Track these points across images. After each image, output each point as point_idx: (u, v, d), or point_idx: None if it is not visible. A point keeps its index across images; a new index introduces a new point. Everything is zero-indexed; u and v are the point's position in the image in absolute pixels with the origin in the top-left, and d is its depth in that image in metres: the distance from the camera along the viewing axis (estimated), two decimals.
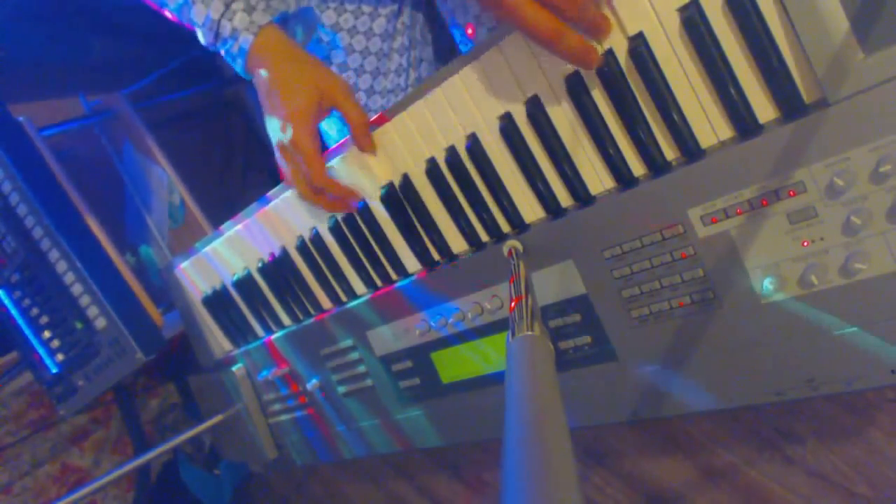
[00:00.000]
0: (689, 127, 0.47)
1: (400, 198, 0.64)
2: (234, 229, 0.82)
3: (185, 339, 1.03)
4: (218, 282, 0.90)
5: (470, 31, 0.80)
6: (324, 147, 0.69)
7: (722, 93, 0.45)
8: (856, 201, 0.40)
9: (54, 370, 0.99)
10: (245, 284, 0.85)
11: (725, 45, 0.44)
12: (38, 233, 0.92)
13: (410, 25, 0.87)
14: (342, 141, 0.67)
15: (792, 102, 0.43)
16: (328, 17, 0.82)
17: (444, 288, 0.63)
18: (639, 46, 0.46)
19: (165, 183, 1.47)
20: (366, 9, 0.83)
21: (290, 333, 0.82)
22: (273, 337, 0.84)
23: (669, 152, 0.49)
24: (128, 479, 1.34)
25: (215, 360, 0.98)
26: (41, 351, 1.00)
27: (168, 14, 0.71)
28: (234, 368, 0.91)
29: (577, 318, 0.55)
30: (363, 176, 0.66)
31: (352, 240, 0.70)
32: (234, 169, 1.84)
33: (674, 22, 0.45)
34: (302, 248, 0.75)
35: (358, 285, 0.73)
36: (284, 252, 0.78)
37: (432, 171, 0.61)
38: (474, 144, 0.57)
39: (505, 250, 0.56)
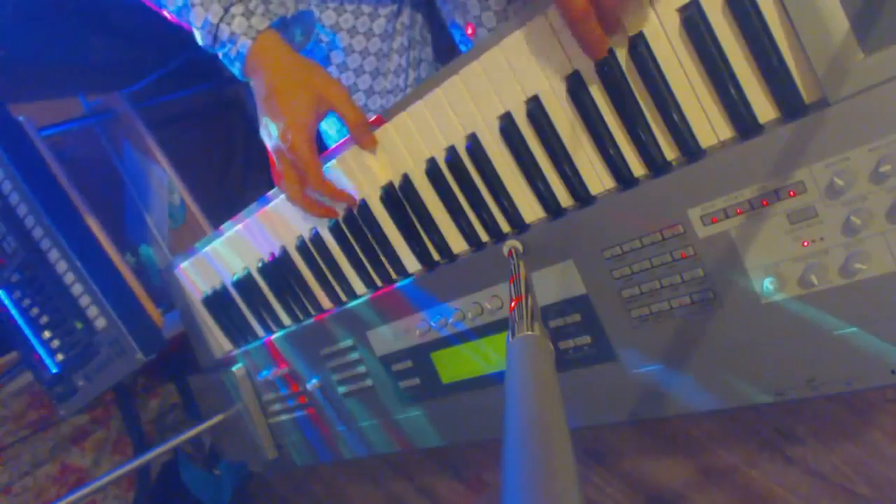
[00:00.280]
0: (689, 127, 0.47)
1: (400, 198, 0.64)
2: (234, 229, 0.82)
3: (185, 339, 1.03)
4: (218, 282, 0.90)
5: (470, 31, 0.80)
6: (323, 147, 0.69)
7: (722, 93, 0.45)
8: (856, 201, 0.40)
9: (54, 370, 0.99)
10: (245, 284, 0.85)
11: (725, 45, 0.44)
12: (38, 233, 0.92)
13: (410, 26, 0.87)
14: (342, 141, 0.67)
15: (792, 102, 0.43)
16: (328, 17, 0.82)
17: (444, 288, 0.63)
18: (639, 46, 0.46)
19: (165, 183, 1.47)
20: (365, 9, 0.83)
21: (290, 333, 0.82)
22: (273, 337, 0.84)
23: (669, 152, 0.49)
24: (128, 479, 1.34)
25: (215, 360, 0.98)
26: (41, 351, 1.00)
27: (167, 14, 0.71)
28: (234, 368, 0.91)
29: (577, 318, 0.55)
30: (363, 176, 0.66)
31: (352, 240, 0.70)
32: (234, 169, 1.84)
33: (674, 22, 0.45)
34: (302, 248, 0.75)
35: (358, 285, 0.73)
36: (284, 252, 0.78)
37: (432, 171, 0.61)
38: (474, 144, 0.57)
39: (505, 250, 0.56)
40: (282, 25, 0.68)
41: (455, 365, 0.65)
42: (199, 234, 1.43)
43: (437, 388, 0.68)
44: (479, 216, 0.60)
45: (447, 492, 0.91)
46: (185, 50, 1.55)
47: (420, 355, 0.68)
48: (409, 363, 0.69)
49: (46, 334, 0.98)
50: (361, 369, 0.74)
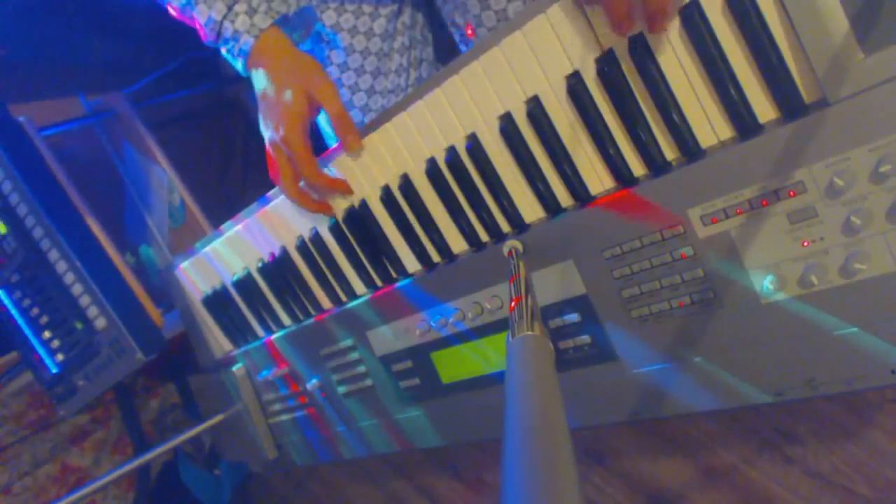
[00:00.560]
0: (689, 127, 0.47)
1: (400, 198, 0.64)
2: (234, 229, 0.82)
3: (185, 339, 1.03)
4: (218, 282, 0.90)
5: (470, 31, 0.80)
6: (324, 147, 0.69)
7: (722, 93, 0.45)
8: (856, 201, 0.40)
9: (54, 370, 0.99)
10: (245, 284, 0.85)
11: (725, 46, 0.44)
12: (38, 233, 0.92)
13: (411, 25, 0.87)
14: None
15: (792, 102, 0.43)
16: (329, 16, 0.82)
17: (444, 288, 0.63)
18: (639, 46, 0.46)
19: (165, 183, 1.47)
20: (366, 9, 0.83)
21: (290, 333, 0.82)
22: (273, 337, 0.84)
23: (669, 152, 0.49)
24: (128, 479, 1.34)
25: (215, 360, 0.98)
26: (41, 351, 1.00)
27: (171, 10, 0.72)
28: (234, 368, 0.91)
29: (577, 318, 0.55)
30: (363, 176, 0.66)
31: (352, 240, 0.70)
32: (234, 169, 1.84)
33: (674, 22, 0.45)
34: (302, 248, 0.75)
35: (358, 285, 0.73)
36: (284, 252, 0.78)
37: (432, 171, 0.61)
38: (474, 144, 0.57)
39: (505, 250, 0.56)
40: (283, 21, 0.70)
41: (455, 365, 0.65)
42: (199, 234, 1.43)
43: (436, 388, 0.68)
44: (479, 216, 0.60)
45: (447, 492, 0.91)
46: (186, 50, 1.55)
47: (420, 355, 0.68)
48: (409, 363, 0.69)
49: (46, 334, 0.98)
50: (361, 369, 0.74)
